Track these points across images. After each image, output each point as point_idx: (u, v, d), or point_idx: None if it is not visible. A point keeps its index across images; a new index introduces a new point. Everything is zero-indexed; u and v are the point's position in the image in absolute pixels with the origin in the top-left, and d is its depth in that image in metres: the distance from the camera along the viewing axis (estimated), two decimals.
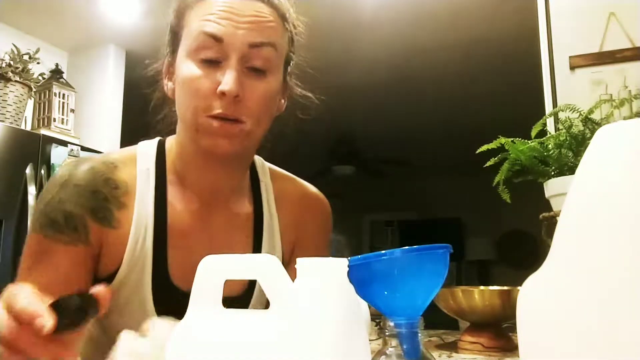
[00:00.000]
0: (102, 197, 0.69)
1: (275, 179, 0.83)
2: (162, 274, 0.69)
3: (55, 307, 0.40)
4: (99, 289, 0.43)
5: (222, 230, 0.74)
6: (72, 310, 0.41)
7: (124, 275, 0.69)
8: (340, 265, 0.39)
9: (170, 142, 0.76)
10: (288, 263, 0.79)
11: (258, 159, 0.84)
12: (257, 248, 0.76)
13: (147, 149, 0.76)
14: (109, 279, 0.69)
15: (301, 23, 0.78)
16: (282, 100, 0.77)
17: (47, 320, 0.39)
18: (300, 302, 0.37)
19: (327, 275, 0.38)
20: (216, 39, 0.65)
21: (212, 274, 0.40)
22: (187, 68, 0.67)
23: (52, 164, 2.28)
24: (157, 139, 0.78)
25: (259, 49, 0.66)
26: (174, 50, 0.72)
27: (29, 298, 0.42)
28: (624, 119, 1.35)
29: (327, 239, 0.86)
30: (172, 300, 0.66)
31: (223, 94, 0.64)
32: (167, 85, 0.74)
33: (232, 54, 0.65)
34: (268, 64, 0.67)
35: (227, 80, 0.63)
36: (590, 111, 1.17)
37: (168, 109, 0.76)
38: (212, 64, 0.66)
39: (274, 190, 0.81)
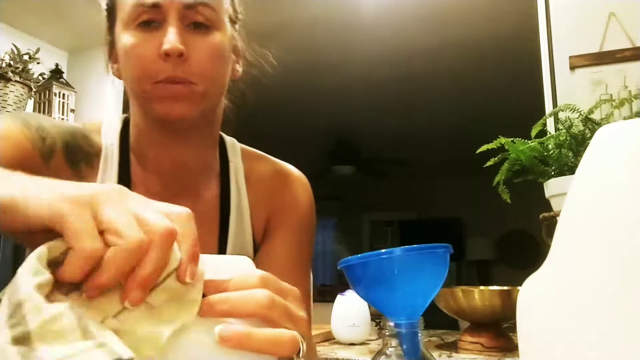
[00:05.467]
0: (77, 145, 0.66)
1: (247, 159, 0.79)
2: None
3: None
4: None
5: None
6: None
7: None
8: None
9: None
10: (260, 242, 0.75)
11: (229, 139, 0.80)
12: (223, 231, 0.72)
13: (111, 123, 0.72)
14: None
15: None
16: (237, 65, 0.73)
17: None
18: None
19: None
20: (152, 6, 0.61)
21: None
22: (126, 38, 0.62)
23: None
24: (123, 115, 0.75)
25: (194, 9, 0.62)
26: (111, 28, 0.68)
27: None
28: (624, 119, 1.35)
29: (308, 210, 0.79)
30: None
31: (167, 54, 0.59)
32: (113, 67, 0.71)
33: (169, 13, 0.61)
34: (209, 20, 0.64)
35: (169, 38, 0.59)
36: (590, 111, 1.17)
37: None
38: (152, 26, 0.61)
39: (244, 170, 0.77)
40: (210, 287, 0.36)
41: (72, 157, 0.65)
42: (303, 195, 0.79)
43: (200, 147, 0.71)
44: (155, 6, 0.61)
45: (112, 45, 0.69)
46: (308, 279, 0.77)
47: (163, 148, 0.68)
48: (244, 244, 0.74)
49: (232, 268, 0.38)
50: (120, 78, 0.69)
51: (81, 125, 0.71)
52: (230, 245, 0.72)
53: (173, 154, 0.69)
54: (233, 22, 0.70)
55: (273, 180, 0.78)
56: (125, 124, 0.73)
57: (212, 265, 0.37)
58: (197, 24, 0.63)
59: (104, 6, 0.70)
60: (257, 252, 0.75)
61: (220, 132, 0.78)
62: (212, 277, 0.36)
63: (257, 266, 0.73)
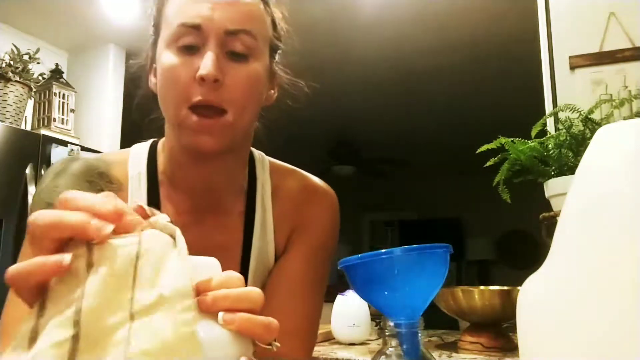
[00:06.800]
0: (99, 188, 0.68)
1: (275, 174, 0.79)
2: None
3: None
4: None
5: (213, 230, 0.72)
6: None
7: None
8: None
9: (162, 143, 0.75)
10: (282, 254, 0.75)
11: (259, 154, 0.80)
12: (246, 247, 0.74)
13: (139, 152, 0.75)
14: None
15: (285, 12, 0.75)
16: (272, 91, 0.74)
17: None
18: None
19: None
20: (194, 27, 0.63)
21: None
22: (166, 58, 0.64)
23: (52, 164, 2.28)
24: (151, 141, 0.76)
25: (236, 37, 0.63)
26: (155, 43, 0.70)
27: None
28: (624, 118, 1.35)
29: (329, 230, 0.78)
30: None
31: (202, 79, 0.61)
32: (151, 81, 0.72)
33: (210, 38, 0.62)
34: (248, 49, 0.65)
35: (206, 63, 0.61)
36: (590, 111, 1.17)
37: (158, 108, 0.73)
38: (192, 51, 0.63)
39: (272, 186, 0.77)
40: (198, 286, 0.37)
41: None
42: (327, 212, 0.78)
43: (230, 168, 0.73)
44: (197, 28, 0.62)
45: (153, 59, 0.71)
46: (317, 300, 0.75)
47: (193, 171, 0.70)
48: (267, 258, 0.74)
49: (203, 268, 0.39)
50: (156, 93, 0.70)
51: (100, 158, 0.72)
52: (253, 261, 0.73)
53: (203, 175, 0.71)
54: (273, 50, 0.71)
55: (300, 195, 0.78)
56: (152, 149, 0.75)
57: (197, 266, 0.38)
58: (235, 53, 0.64)
59: (151, 21, 0.72)
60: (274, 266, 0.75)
61: (250, 148, 0.79)
62: (198, 277, 0.38)
63: (269, 278, 0.74)
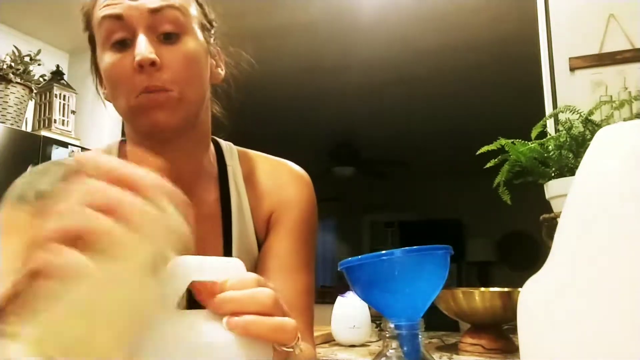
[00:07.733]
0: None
1: (245, 160, 0.79)
2: None
3: None
4: None
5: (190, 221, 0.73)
6: None
7: None
8: None
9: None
10: (264, 239, 0.76)
11: (226, 143, 0.81)
12: (227, 234, 0.74)
13: (110, 147, 0.75)
14: None
15: None
16: (219, 69, 0.75)
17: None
18: None
19: None
20: (116, 17, 0.63)
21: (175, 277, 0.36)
22: (105, 60, 0.65)
23: None
24: (119, 139, 0.77)
25: (161, 14, 0.64)
26: (94, 53, 0.71)
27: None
28: (624, 120, 1.35)
29: (308, 208, 0.78)
30: None
31: (140, 65, 0.61)
32: (104, 93, 0.73)
33: (137, 26, 0.63)
34: (178, 26, 0.65)
35: (139, 49, 0.61)
36: (590, 112, 1.17)
37: None
38: (125, 45, 0.64)
39: (243, 171, 0.78)
40: (209, 288, 0.37)
41: None
42: (303, 191, 0.79)
43: (191, 152, 0.72)
44: (120, 18, 0.63)
45: (98, 70, 0.72)
46: (310, 276, 0.76)
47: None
48: (249, 244, 0.75)
49: (225, 270, 0.39)
50: (109, 101, 0.71)
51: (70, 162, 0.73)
52: (235, 247, 0.73)
53: (167, 162, 0.71)
54: (205, 29, 0.72)
55: (273, 178, 0.79)
56: (121, 148, 0.75)
57: (207, 267, 0.38)
58: (167, 35, 0.64)
59: (86, 36, 0.72)
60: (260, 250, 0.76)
61: (216, 138, 0.79)
62: (207, 278, 0.37)
63: (259, 263, 0.74)
